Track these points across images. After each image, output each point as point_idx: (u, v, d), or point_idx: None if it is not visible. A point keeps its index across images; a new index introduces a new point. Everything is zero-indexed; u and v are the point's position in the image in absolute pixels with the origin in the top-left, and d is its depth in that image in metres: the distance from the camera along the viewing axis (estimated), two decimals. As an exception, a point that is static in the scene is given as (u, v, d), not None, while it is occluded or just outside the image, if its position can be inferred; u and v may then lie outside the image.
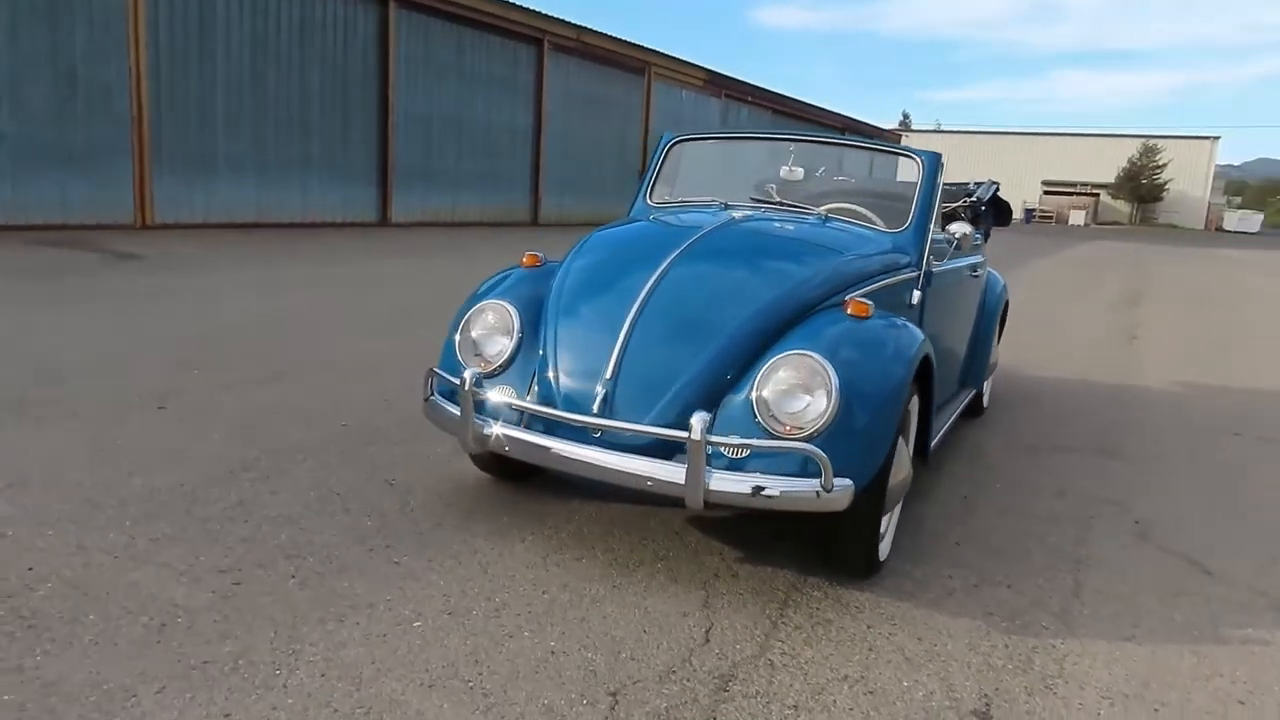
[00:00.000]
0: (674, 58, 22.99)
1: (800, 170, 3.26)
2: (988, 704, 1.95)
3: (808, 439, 2.19)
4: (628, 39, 20.91)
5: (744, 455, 2.21)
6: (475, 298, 2.78)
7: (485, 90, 17.33)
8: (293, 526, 2.61)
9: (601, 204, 21.00)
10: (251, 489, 2.87)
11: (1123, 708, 1.97)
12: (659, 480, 2.19)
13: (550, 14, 18.05)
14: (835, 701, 1.91)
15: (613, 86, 21.10)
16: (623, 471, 2.23)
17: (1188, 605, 2.52)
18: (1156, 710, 1.97)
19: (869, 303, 2.46)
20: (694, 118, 24.44)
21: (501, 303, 2.67)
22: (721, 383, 2.33)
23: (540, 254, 2.94)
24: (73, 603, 2.08)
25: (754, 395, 2.26)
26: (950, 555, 2.74)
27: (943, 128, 74.21)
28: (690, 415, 2.25)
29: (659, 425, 2.26)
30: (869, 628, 2.25)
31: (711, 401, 2.31)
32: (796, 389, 2.24)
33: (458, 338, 2.69)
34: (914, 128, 70.47)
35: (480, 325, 2.68)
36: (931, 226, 3.09)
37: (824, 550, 2.51)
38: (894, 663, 2.09)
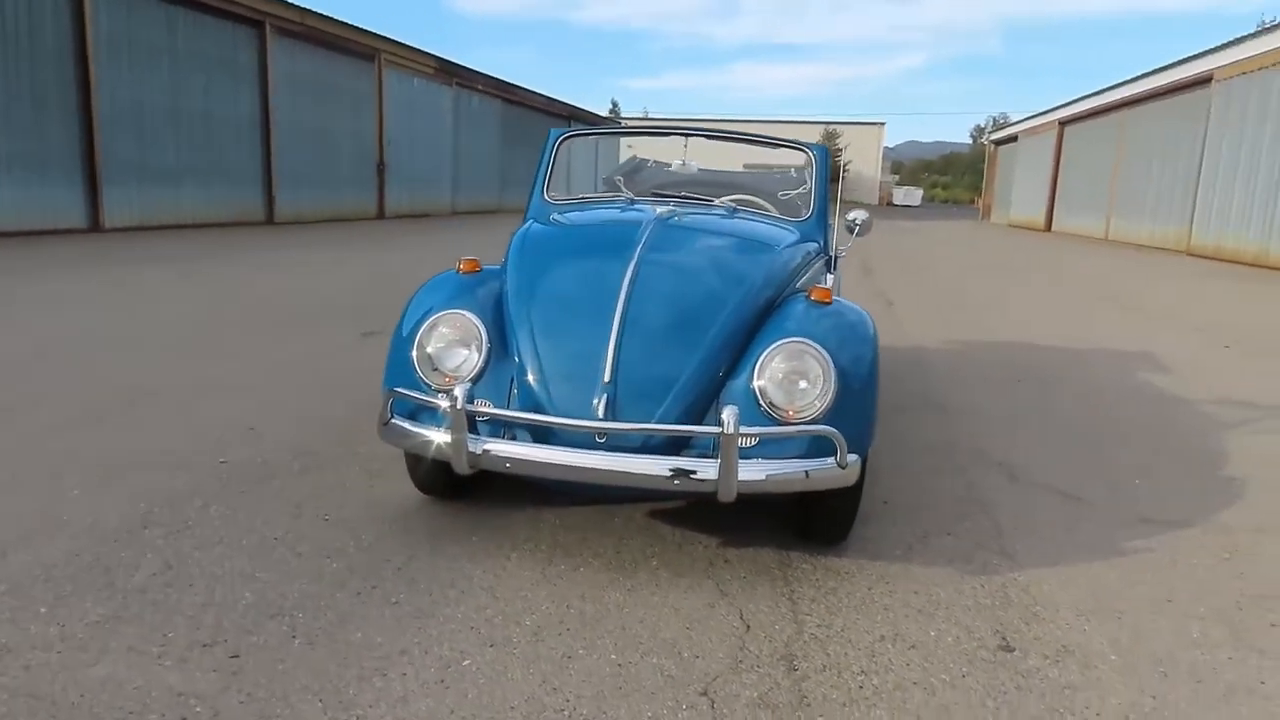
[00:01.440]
0: (405, 45, 22.13)
1: (694, 164, 3.37)
2: (1004, 637, 2.21)
3: (811, 421, 2.32)
4: (356, 24, 19.87)
5: (753, 444, 2.29)
6: (423, 309, 2.60)
7: (204, 75, 15.63)
8: (251, 582, 2.31)
9: (342, 199, 19.85)
10: (170, 546, 2.48)
11: (1097, 621, 2.31)
12: (686, 477, 2.20)
13: (271, -5, 16.69)
14: (890, 661, 2.07)
15: (343, 74, 19.89)
16: (645, 474, 2.22)
17: (1083, 529, 2.97)
18: (1119, 618, 2.34)
19: (829, 288, 2.64)
20: (427, 106, 23.77)
21: (463, 313, 2.52)
22: (716, 377, 2.39)
23: (477, 258, 2.81)
24: (45, 717, 1.72)
25: (755, 385, 2.34)
26: (886, 514, 3.00)
27: (649, 115, 77.78)
28: (695, 410, 2.33)
29: (668, 423, 2.27)
30: (869, 589, 2.44)
31: (711, 395, 2.36)
32: (794, 375, 2.35)
33: (414, 353, 2.52)
34: (623, 115, 73.02)
35: (436, 338, 2.51)
36: (829, 213, 3.35)
37: (804, 523, 2.66)
38: (911, 616, 2.29)
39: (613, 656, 2.03)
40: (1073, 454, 3.85)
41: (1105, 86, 26.42)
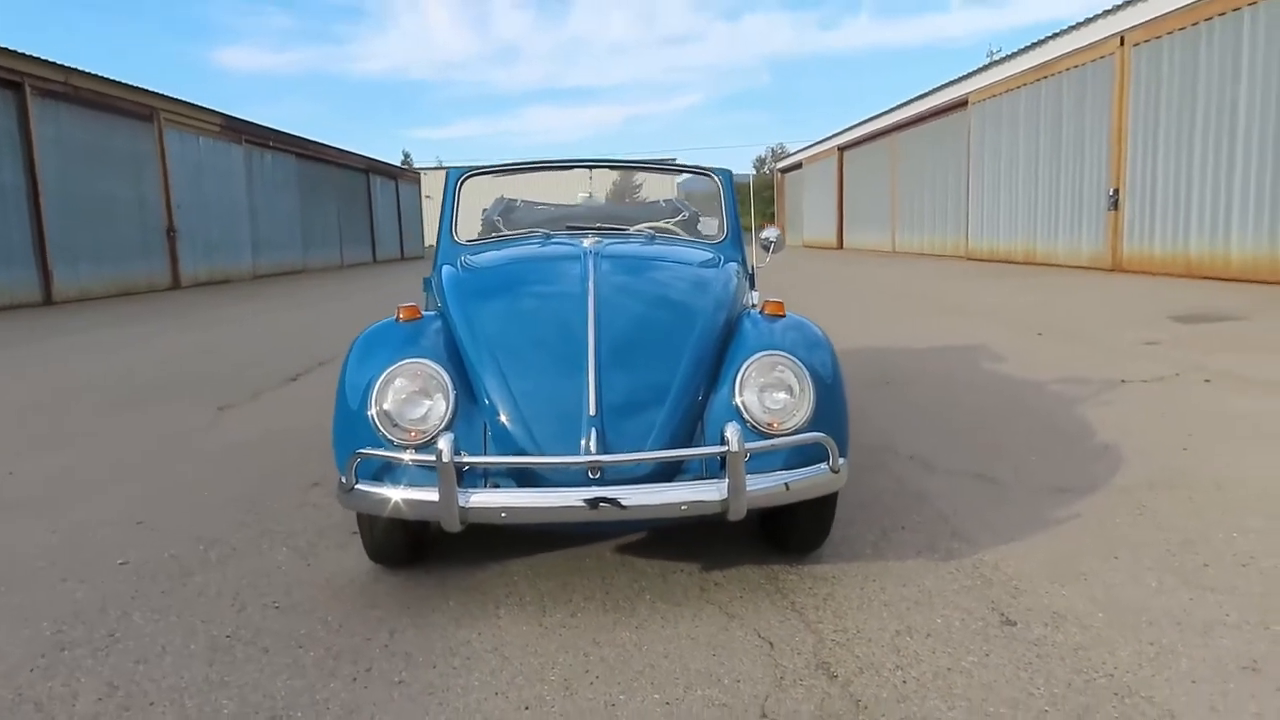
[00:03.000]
0: (185, 102, 20.65)
1: (599, 198, 3.37)
2: (1002, 613, 2.32)
3: (796, 431, 2.36)
4: (127, 81, 18.35)
5: (746, 459, 2.29)
6: (372, 363, 2.41)
7: (-46, 146, 13.88)
8: (224, 688, 2.01)
9: (131, 271, 18.15)
10: (105, 665, 2.13)
11: (1070, 586, 2.47)
12: (695, 501, 2.17)
13: (29, 54, 15.08)
14: (916, 652, 2.12)
15: (119, 136, 18.21)
16: (653, 505, 2.16)
17: (1013, 506, 3.19)
18: (1085, 579, 2.52)
19: (782, 301, 2.70)
20: (216, 166, 22.29)
21: (422, 361, 2.37)
22: (697, 399, 2.38)
23: (416, 305, 2.65)
24: None
25: (737, 402, 2.35)
26: (839, 516, 3.08)
27: (443, 164, 77.36)
28: (681, 434, 2.31)
29: (659, 449, 2.23)
30: (862, 589, 2.49)
31: (694, 417, 2.35)
32: (772, 387, 2.39)
33: (371, 411, 2.33)
34: (416, 164, 72.35)
35: (395, 391, 2.34)
36: (741, 234, 3.44)
37: (784, 532, 2.67)
38: (911, 608, 2.36)
39: (656, 696, 1.95)
40: (966, 441, 4.13)
41: (877, 113, 29.01)
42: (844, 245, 33.27)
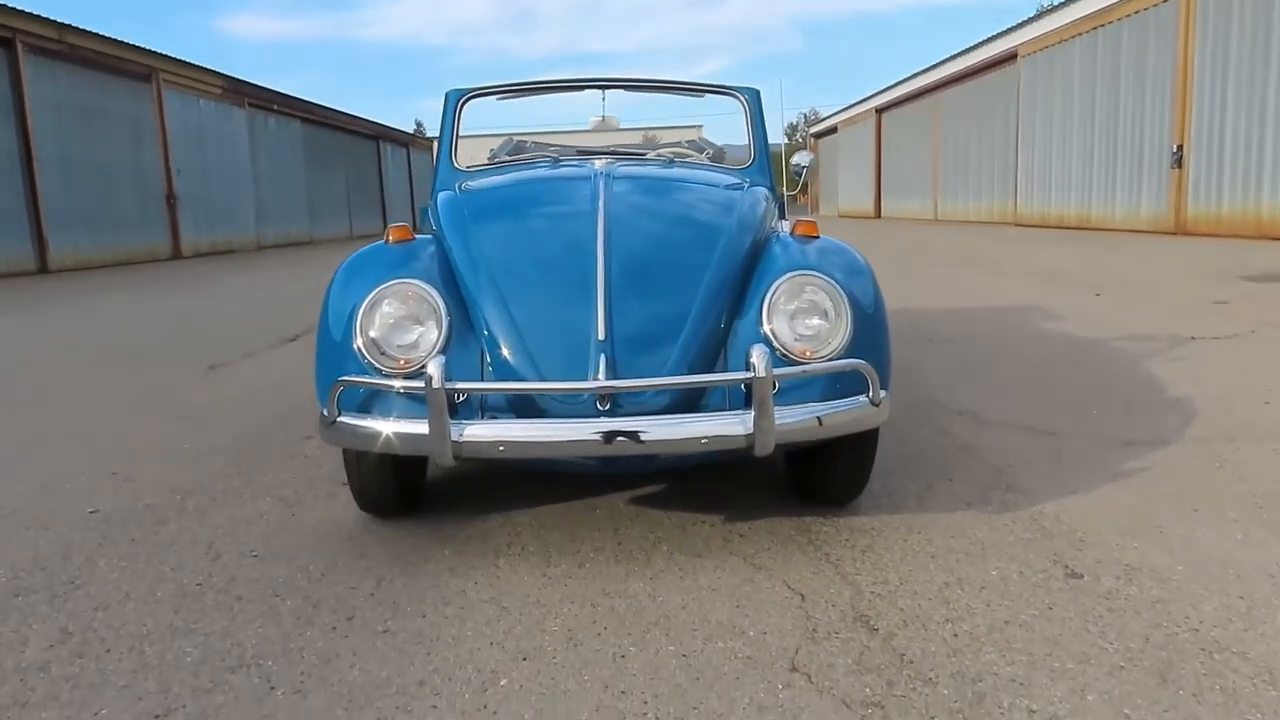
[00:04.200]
0: (185, 62, 20.65)
1: (615, 119, 3.22)
2: (1066, 565, 2.16)
3: (832, 357, 2.20)
4: (125, 40, 18.36)
5: (774, 388, 2.13)
6: (357, 286, 2.27)
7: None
8: (189, 635, 1.89)
9: (130, 240, 18.24)
10: (61, 611, 2.01)
11: (1143, 539, 2.30)
12: (718, 435, 2.02)
13: (21, 8, 15.09)
14: (969, 605, 1.96)
15: (117, 98, 18.24)
16: (671, 439, 2.01)
17: (1074, 458, 3.01)
18: (1161, 533, 2.35)
19: (815, 221, 2.54)
20: (218, 131, 22.31)
21: (411, 282, 2.23)
22: (719, 325, 2.23)
23: (407, 225, 2.51)
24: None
25: (765, 329, 2.21)
26: (879, 469, 2.90)
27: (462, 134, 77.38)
28: (701, 362, 2.17)
29: (678, 376, 2.09)
30: (905, 541, 2.34)
31: (716, 345, 2.21)
32: (804, 313, 2.24)
33: (357, 341, 2.19)
34: (430, 135, 72.56)
35: (382, 317, 2.20)
36: (769, 160, 3.27)
37: (817, 480, 2.52)
38: (962, 560, 2.20)
39: (671, 648, 1.81)
40: (1019, 396, 3.95)
41: (918, 70, 28.52)
42: (882, 214, 32.87)
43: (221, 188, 22.47)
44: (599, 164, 2.94)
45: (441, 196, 2.93)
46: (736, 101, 3.34)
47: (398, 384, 2.12)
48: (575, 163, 3.01)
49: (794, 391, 2.16)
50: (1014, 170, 21.58)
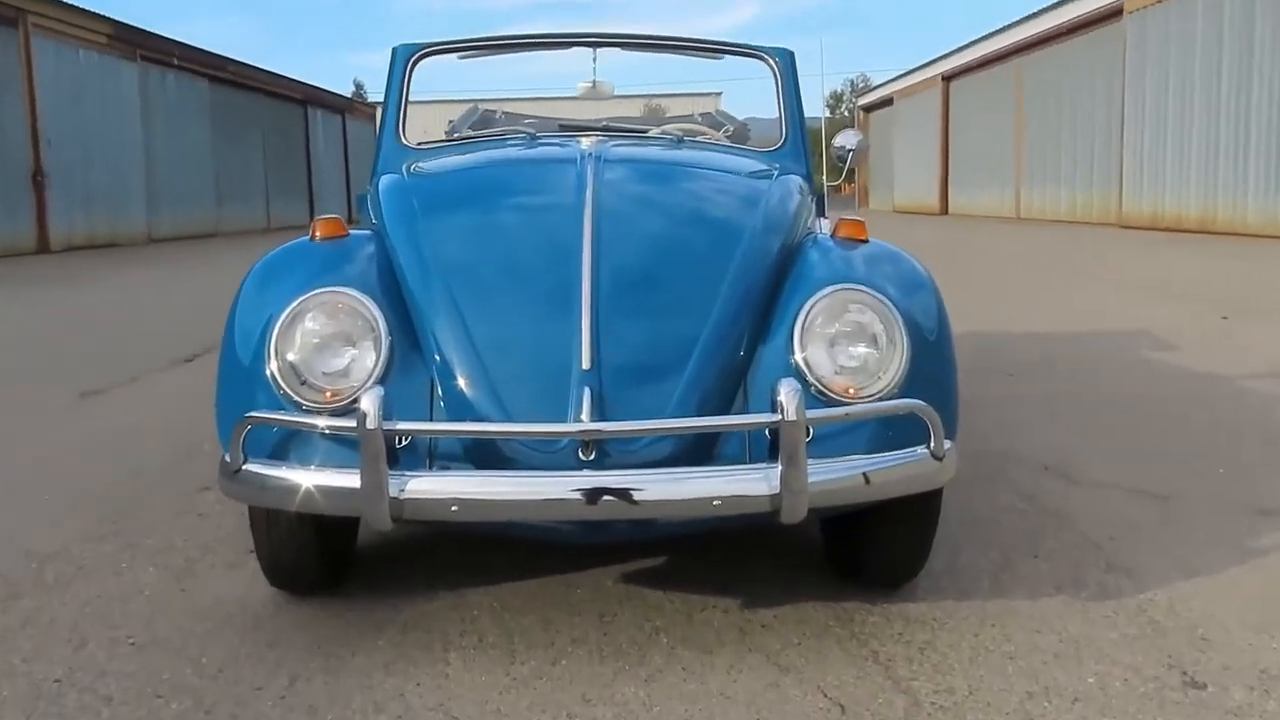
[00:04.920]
0: (62, 3, 20.89)
1: (609, 85, 3.25)
2: (1184, 672, 2.14)
3: (881, 397, 2.19)
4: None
5: (808, 439, 2.12)
6: (274, 295, 2.27)
7: None
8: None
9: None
10: None
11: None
12: (734, 496, 2.01)
13: None
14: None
15: (-30, 46, 18.51)
16: (674, 499, 2.01)
17: (1193, 531, 3.01)
18: (1306, 629, 2.36)
19: (863, 220, 2.56)
20: (102, 90, 22.48)
21: (344, 292, 2.23)
22: (737, 353, 2.24)
23: (339, 218, 2.53)
24: None
25: (797, 358, 2.20)
26: (943, 539, 2.90)
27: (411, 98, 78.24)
28: (713, 402, 2.17)
29: (684, 419, 2.08)
30: (976, 636, 2.33)
31: (734, 378, 2.22)
32: (848, 337, 2.23)
33: (272, 365, 2.18)
34: (372, 100, 73.71)
35: (305, 335, 2.19)
36: (806, 139, 3.30)
37: (860, 552, 2.51)
38: (1050, 663, 2.19)
39: (674, 772, 1.81)
40: (1124, 448, 3.97)
41: (996, 28, 28.81)
42: (949, 209, 33.13)
43: (104, 163, 22.59)
44: (587, 143, 2.95)
45: (385, 181, 2.95)
46: (765, 65, 3.37)
47: (322, 423, 2.11)
48: (557, 141, 3.05)
49: (833, 440, 2.15)
50: (1118, 157, 21.77)
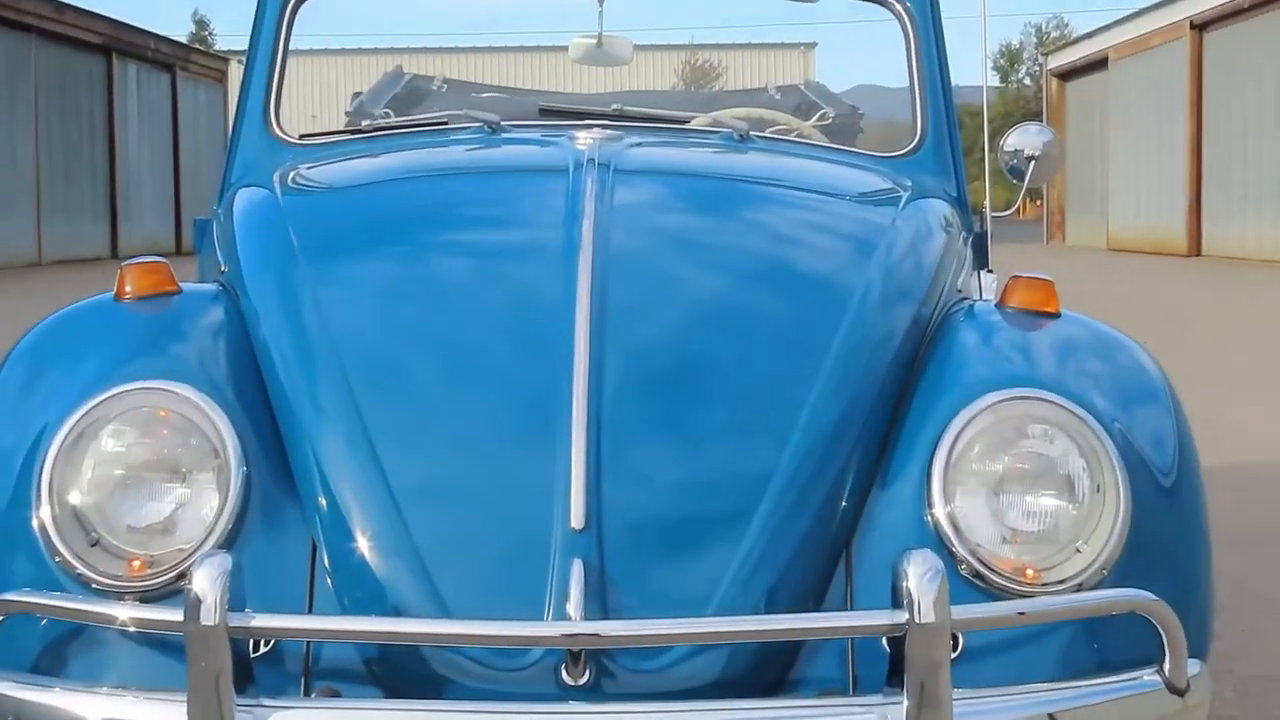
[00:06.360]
0: None
1: (624, 40, 3.30)
2: None
3: (1085, 584, 2.11)
4: None
5: (955, 654, 2.00)
6: (46, 390, 2.25)
7: None
8: None
9: None
10: None
11: None
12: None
13: None
14: None
15: None
16: None
17: None
18: None
19: (1050, 280, 2.42)
20: None
21: (173, 389, 2.16)
22: (834, 508, 2.15)
23: (165, 262, 2.53)
24: None
25: (934, 514, 2.08)
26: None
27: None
28: (795, 581, 2.10)
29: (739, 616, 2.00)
30: None
31: (830, 549, 2.13)
32: (1034, 480, 2.12)
33: (44, 512, 2.12)
34: (224, 47, 75.02)
35: (97, 465, 2.12)
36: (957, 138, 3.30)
37: None
38: None
39: None
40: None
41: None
42: (1202, 247, 27.68)
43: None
44: (585, 141, 2.79)
45: (246, 199, 2.71)
46: (887, 11, 3.40)
47: (124, 613, 1.91)
48: (535, 136, 3.01)
49: (998, 656, 2.01)
50: None
